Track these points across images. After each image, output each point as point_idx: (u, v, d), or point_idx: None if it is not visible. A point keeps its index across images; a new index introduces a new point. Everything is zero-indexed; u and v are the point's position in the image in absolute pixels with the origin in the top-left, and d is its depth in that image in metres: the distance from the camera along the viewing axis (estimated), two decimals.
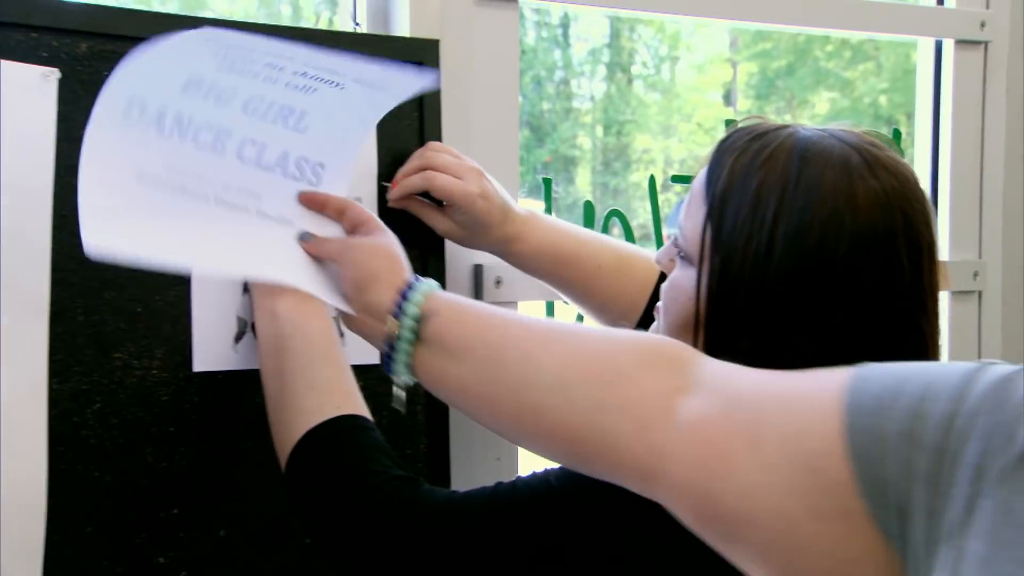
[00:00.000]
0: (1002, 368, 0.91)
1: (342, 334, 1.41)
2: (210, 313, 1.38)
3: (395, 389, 1.21)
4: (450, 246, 1.56)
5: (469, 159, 1.48)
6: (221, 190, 1.24)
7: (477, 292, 1.65)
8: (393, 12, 1.65)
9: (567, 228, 1.53)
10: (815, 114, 8.00)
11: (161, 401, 1.35)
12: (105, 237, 1.11)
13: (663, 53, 8.63)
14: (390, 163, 1.50)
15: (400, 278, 1.20)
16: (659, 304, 1.26)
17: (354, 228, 1.31)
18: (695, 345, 1.18)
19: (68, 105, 1.25)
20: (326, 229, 1.32)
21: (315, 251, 1.29)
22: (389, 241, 1.27)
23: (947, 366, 0.93)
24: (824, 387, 0.95)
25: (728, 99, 8.25)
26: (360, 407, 1.30)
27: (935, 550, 0.90)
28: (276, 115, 1.27)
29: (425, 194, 1.48)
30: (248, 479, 1.41)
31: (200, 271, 1.28)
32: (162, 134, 1.19)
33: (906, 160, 1.19)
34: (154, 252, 1.16)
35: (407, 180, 1.46)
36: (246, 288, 1.38)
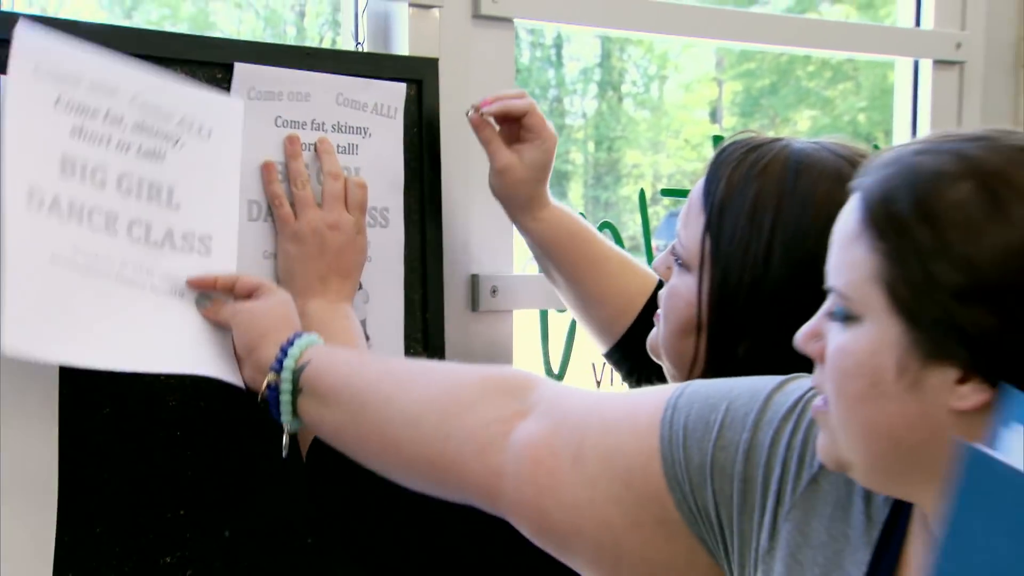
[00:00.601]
0: (798, 389, 0.95)
1: (368, 337, 1.43)
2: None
3: (284, 436, 1.24)
4: (446, 258, 1.54)
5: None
6: (120, 268, 1.25)
7: (474, 301, 1.62)
8: (393, 32, 1.63)
9: (581, 217, 1.53)
10: (797, 131, 8.04)
11: (168, 406, 1.34)
12: (24, 340, 1.16)
13: (652, 72, 8.66)
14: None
15: (283, 335, 1.25)
16: (659, 311, 1.25)
17: (248, 295, 1.32)
18: (695, 350, 1.20)
19: None
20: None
21: (212, 316, 1.31)
22: (278, 301, 1.30)
23: (753, 387, 0.96)
24: (643, 409, 1.00)
25: (714, 116, 8.28)
26: None
27: (749, 572, 0.94)
28: (148, 193, 1.28)
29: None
30: (252, 482, 1.39)
31: (107, 367, 1.24)
32: (62, 219, 1.21)
33: None
34: (65, 354, 1.20)
35: (511, 102, 1.45)
36: None
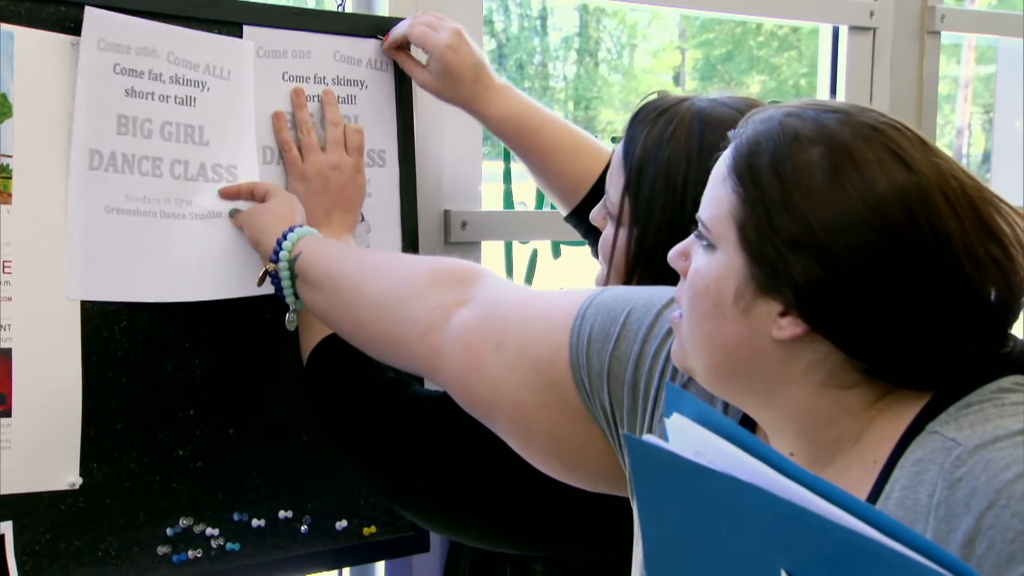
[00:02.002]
0: None
1: None
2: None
3: (287, 314, 1.30)
4: (422, 196, 1.55)
5: (451, 20, 1.44)
6: (163, 205, 1.32)
7: (446, 233, 1.63)
8: None
9: (534, 105, 1.48)
10: (749, 93, 7.98)
11: (179, 320, 1.35)
12: (85, 286, 1.27)
13: (623, 41, 8.62)
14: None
15: (279, 229, 1.27)
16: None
17: (263, 198, 1.35)
18: None
19: None
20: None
21: (237, 222, 1.36)
22: (280, 200, 1.33)
23: (650, 300, 0.98)
24: (558, 310, 1.03)
25: (677, 80, 8.24)
26: None
27: None
28: (184, 135, 1.34)
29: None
30: (254, 386, 1.40)
31: (157, 300, 1.33)
32: (117, 171, 1.28)
33: None
34: (121, 293, 1.29)
35: (395, 30, 1.45)
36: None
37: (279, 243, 1.26)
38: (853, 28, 2.03)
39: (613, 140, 1.85)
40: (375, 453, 1.31)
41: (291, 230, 1.26)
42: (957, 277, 0.76)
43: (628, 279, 1.18)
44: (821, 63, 2.06)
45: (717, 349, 0.83)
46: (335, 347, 1.30)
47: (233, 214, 1.36)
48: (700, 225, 0.85)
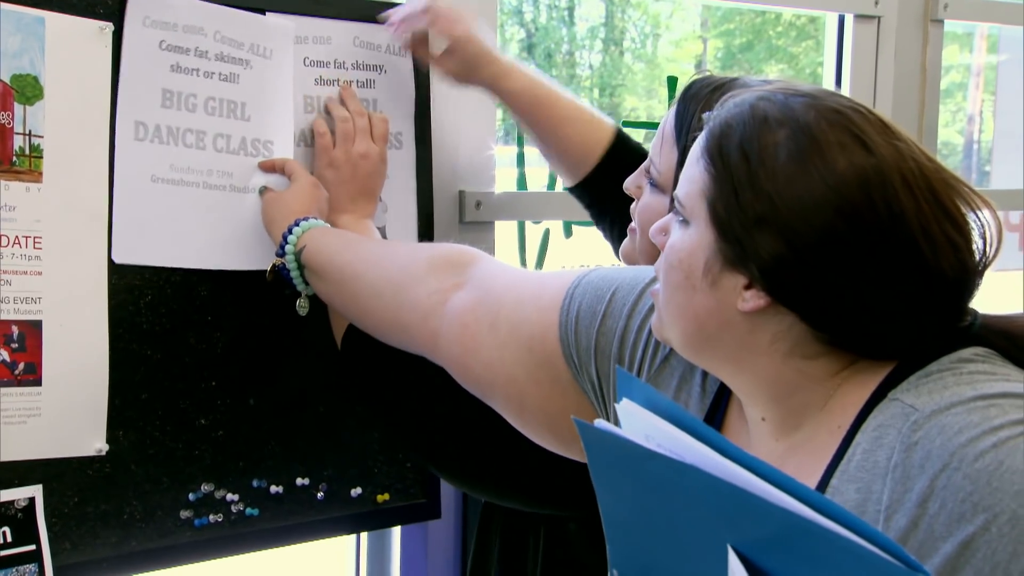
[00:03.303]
0: None
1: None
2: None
3: (299, 300, 1.32)
4: (438, 177, 1.54)
5: (464, 9, 1.43)
6: (206, 176, 1.34)
7: (461, 213, 1.62)
8: None
9: (543, 78, 1.47)
10: None
11: (201, 295, 1.35)
12: (130, 250, 1.29)
13: (647, 31, 8.56)
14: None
15: (287, 223, 1.29)
16: (633, 225, 1.24)
17: (289, 177, 1.37)
18: None
19: None
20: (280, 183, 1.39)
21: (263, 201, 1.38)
22: (297, 190, 1.34)
23: (634, 279, 0.99)
24: (548, 291, 1.04)
25: (699, 69, 8.18)
26: None
27: None
28: (227, 111, 1.35)
29: None
30: (273, 358, 1.41)
31: (197, 266, 1.35)
32: (162, 143, 1.30)
33: None
34: (165, 258, 1.31)
35: (413, 21, 1.42)
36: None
37: (285, 237, 1.27)
38: (858, 17, 2.00)
39: (625, 124, 1.84)
40: (416, 424, 1.32)
41: (297, 224, 1.27)
42: (913, 255, 0.77)
43: None
44: (827, 51, 2.03)
45: (690, 320, 0.84)
46: None
47: (263, 191, 1.37)
48: (676, 201, 0.86)
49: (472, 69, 1.42)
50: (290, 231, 1.27)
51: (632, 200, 1.26)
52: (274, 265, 1.29)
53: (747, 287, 0.80)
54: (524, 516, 1.40)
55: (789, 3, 2.00)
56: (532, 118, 1.46)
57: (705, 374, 0.93)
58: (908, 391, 0.77)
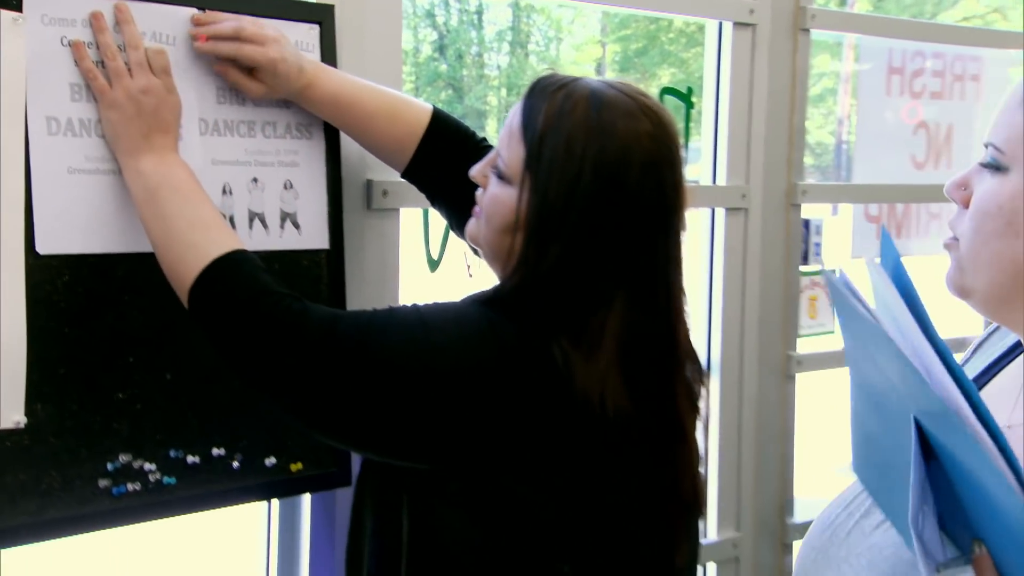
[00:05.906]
0: None
1: (298, 226, 1.47)
2: None
3: None
4: (346, 166, 1.53)
5: (270, 27, 1.36)
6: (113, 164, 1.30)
7: (368, 200, 1.61)
8: None
9: (350, 79, 1.43)
10: (660, 84, 8.02)
11: (117, 276, 1.32)
12: (53, 240, 1.26)
13: (551, 35, 8.61)
14: None
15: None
16: (477, 208, 1.25)
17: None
18: (511, 245, 1.18)
19: None
20: None
21: None
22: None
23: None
24: None
25: (599, 72, 8.25)
26: (234, 238, 1.24)
27: None
28: None
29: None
30: (188, 334, 1.37)
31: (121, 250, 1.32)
32: (75, 135, 1.27)
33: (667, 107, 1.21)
34: (87, 246, 1.29)
35: (219, 45, 1.34)
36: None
37: None
38: (736, 24, 2.03)
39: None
40: (276, 372, 1.19)
41: None
42: None
43: (515, 233, 1.18)
44: (708, 56, 2.06)
45: (1006, 267, 0.78)
46: (217, 277, 1.20)
47: None
48: (992, 149, 0.80)
49: (277, 90, 1.38)
50: None
51: (470, 183, 1.27)
52: None
53: None
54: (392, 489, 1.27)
55: (675, 10, 2.01)
56: (341, 121, 1.45)
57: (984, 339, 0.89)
58: None
